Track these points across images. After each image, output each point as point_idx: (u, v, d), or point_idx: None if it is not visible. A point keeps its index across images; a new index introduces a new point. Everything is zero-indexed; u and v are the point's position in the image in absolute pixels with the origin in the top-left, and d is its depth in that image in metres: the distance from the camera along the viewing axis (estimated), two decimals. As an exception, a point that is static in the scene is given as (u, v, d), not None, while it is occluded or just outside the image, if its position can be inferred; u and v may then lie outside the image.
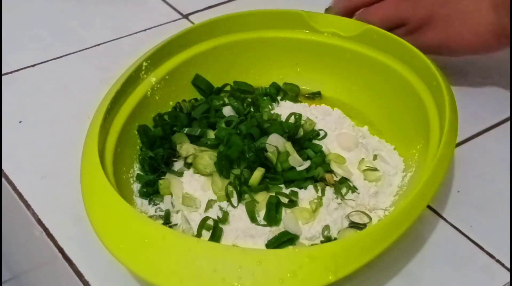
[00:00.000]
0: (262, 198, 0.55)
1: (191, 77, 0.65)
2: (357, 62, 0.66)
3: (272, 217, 0.54)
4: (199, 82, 0.65)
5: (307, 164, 0.57)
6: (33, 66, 0.72)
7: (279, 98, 0.67)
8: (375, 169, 0.58)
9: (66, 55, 0.74)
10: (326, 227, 0.54)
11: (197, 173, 0.57)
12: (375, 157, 0.60)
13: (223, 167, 0.56)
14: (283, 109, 0.65)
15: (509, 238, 0.56)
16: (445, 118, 0.55)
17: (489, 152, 0.64)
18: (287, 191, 0.56)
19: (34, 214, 0.56)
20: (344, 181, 0.57)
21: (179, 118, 0.61)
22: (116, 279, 0.51)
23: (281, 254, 0.46)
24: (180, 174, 0.58)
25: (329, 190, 0.56)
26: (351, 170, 0.58)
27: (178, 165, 0.59)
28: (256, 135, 0.58)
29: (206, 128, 0.61)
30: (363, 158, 0.59)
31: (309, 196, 0.55)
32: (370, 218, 0.55)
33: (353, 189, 0.57)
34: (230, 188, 0.55)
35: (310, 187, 0.56)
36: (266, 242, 0.52)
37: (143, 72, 0.61)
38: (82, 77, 0.71)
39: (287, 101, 0.67)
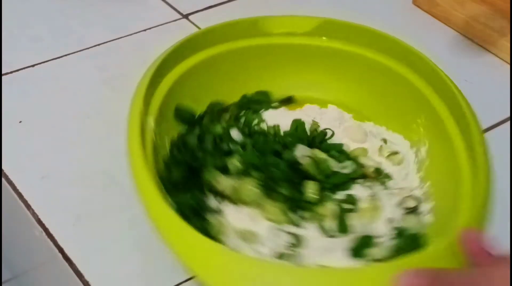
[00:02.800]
0: (324, 210, 0.53)
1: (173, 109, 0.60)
2: (321, 56, 0.65)
3: (344, 226, 0.52)
4: (181, 114, 0.60)
5: (350, 164, 0.56)
6: (33, 66, 0.72)
7: (262, 110, 0.64)
8: (397, 152, 0.58)
9: (66, 55, 0.74)
10: (391, 220, 0.54)
11: (240, 204, 0.54)
12: (384, 141, 0.60)
13: (271, 189, 0.53)
14: (273, 118, 0.62)
15: (509, 238, 0.56)
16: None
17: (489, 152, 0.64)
18: (340, 196, 0.55)
19: (34, 214, 0.56)
20: (380, 171, 0.57)
21: (195, 156, 0.56)
22: (116, 279, 0.51)
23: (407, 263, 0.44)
24: (220, 211, 0.54)
25: (374, 184, 0.56)
26: (376, 159, 0.58)
27: (212, 202, 0.54)
28: (281, 151, 0.57)
29: (223, 157, 0.57)
30: (381, 145, 0.59)
31: (362, 195, 0.55)
32: (418, 200, 0.55)
33: (389, 177, 0.57)
34: (287, 210, 0.53)
35: (357, 186, 0.55)
36: (349, 251, 0.51)
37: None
38: (82, 77, 0.71)
39: (270, 110, 0.64)
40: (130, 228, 0.55)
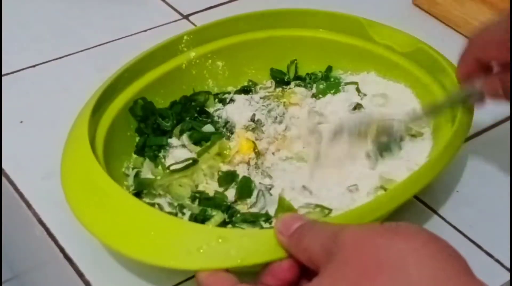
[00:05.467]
0: None
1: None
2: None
3: None
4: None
5: None
6: (34, 66, 0.72)
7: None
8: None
9: (66, 55, 0.74)
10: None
11: None
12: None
13: None
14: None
15: (509, 238, 0.56)
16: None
17: (489, 152, 0.64)
18: None
19: (35, 213, 0.56)
20: None
21: None
22: (117, 278, 0.51)
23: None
24: None
25: None
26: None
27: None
28: None
29: None
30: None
31: None
32: None
33: None
34: None
35: None
36: None
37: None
38: (83, 78, 0.71)
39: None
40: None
